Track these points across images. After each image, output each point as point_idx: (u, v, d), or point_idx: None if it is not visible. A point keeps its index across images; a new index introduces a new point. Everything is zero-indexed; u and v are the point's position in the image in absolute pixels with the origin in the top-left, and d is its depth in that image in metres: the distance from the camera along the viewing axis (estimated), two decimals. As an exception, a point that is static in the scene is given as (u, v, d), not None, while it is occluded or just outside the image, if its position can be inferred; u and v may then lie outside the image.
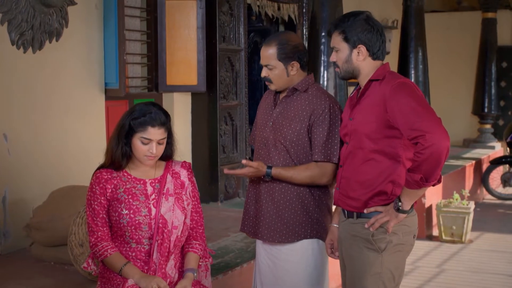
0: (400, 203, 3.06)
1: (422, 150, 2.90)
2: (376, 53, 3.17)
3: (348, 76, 3.25)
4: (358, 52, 3.16)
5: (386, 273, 3.12)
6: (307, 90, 3.50)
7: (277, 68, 3.46)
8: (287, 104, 3.51)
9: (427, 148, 2.89)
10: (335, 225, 3.40)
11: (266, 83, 3.55)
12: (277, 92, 3.60)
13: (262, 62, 3.50)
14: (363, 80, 3.20)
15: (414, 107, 2.97)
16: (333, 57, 3.25)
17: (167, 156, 3.29)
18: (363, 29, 3.13)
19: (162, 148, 3.20)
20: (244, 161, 3.40)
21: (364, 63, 3.18)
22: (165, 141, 3.20)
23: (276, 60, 3.45)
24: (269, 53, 3.47)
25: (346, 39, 3.16)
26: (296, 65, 3.47)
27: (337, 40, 3.19)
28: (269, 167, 3.43)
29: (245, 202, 3.70)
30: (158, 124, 3.13)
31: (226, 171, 3.48)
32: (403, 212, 3.07)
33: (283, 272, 3.52)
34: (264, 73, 3.50)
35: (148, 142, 3.13)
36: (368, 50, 3.15)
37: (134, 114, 3.15)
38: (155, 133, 3.13)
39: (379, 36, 3.17)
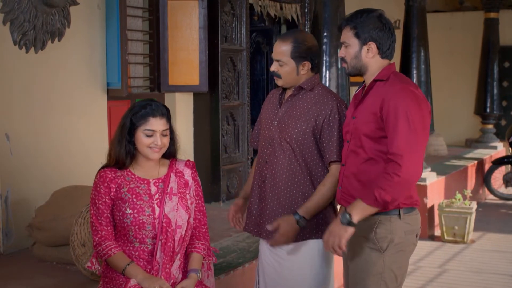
0: (348, 216, 3.00)
1: (398, 172, 2.93)
2: (386, 52, 3.16)
3: (355, 73, 3.23)
4: (368, 49, 3.15)
5: (388, 273, 3.11)
6: (313, 89, 3.50)
7: (288, 65, 3.46)
8: (293, 103, 3.51)
9: (401, 172, 2.93)
10: None
11: (274, 77, 3.55)
12: (283, 91, 3.61)
13: (274, 56, 3.50)
14: (369, 78, 3.20)
15: (407, 125, 2.97)
16: (342, 52, 3.23)
17: (171, 153, 3.30)
18: (375, 26, 3.12)
19: (166, 140, 3.20)
20: (269, 227, 3.39)
21: (372, 61, 3.16)
22: (168, 132, 3.21)
23: (289, 58, 3.45)
24: (282, 49, 3.46)
25: (357, 35, 3.15)
26: (307, 65, 3.47)
27: (348, 35, 3.18)
28: (294, 213, 3.39)
29: (248, 201, 3.69)
30: (159, 115, 3.15)
31: (272, 243, 3.41)
32: (354, 225, 3.02)
33: (287, 271, 3.50)
34: (273, 67, 3.50)
35: (151, 134, 3.14)
36: (378, 48, 3.14)
37: (135, 109, 3.18)
38: (157, 124, 3.15)
39: (390, 35, 3.17)
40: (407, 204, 3.13)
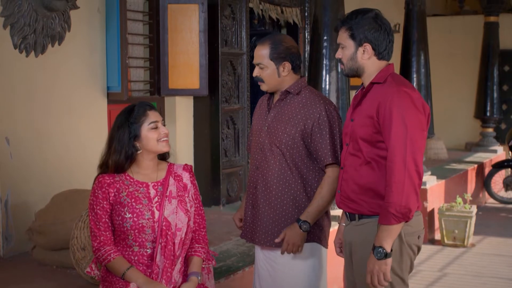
0: (381, 249, 2.95)
1: (398, 178, 2.92)
2: (382, 52, 3.12)
3: (352, 74, 3.20)
4: (363, 51, 3.10)
5: (394, 278, 3.07)
6: (299, 92, 3.51)
7: (269, 67, 3.48)
8: (281, 108, 3.52)
9: (402, 177, 2.92)
10: (343, 225, 3.36)
11: (258, 83, 3.57)
12: (271, 96, 3.62)
13: (255, 61, 3.53)
14: (366, 79, 3.15)
15: (404, 128, 2.94)
16: (339, 54, 3.20)
17: (164, 154, 3.32)
18: (371, 27, 3.08)
19: (167, 130, 3.26)
20: (277, 240, 3.43)
21: (369, 62, 3.12)
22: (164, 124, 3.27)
23: (268, 60, 3.47)
24: (261, 53, 3.49)
25: (352, 37, 3.11)
26: (287, 66, 3.48)
27: (343, 37, 3.14)
28: (297, 220, 3.41)
29: (244, 208, 3.70)
30: (151, 107, 3.24)
31: (281, 251, 3.44)
32: (391, 255, 2.97)
33: (281, 276, 3.51)
34: (256, 72, 3.53)
35: (156, 126, 3.19)
36: (373, 49, 3.10)
37: (127, 114, 3.20)
38: (155, 115, 3.22)
39: (387, 35, 3.11)
40: None
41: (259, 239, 3.54)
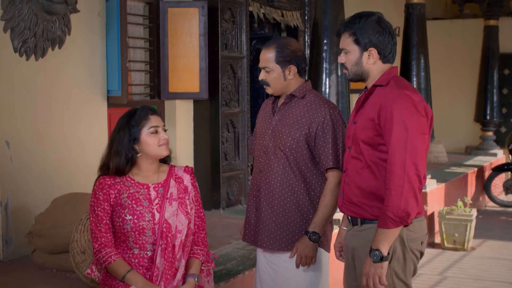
0: (378, 252, 2.94)
1: (398, 182, 2.88)
2: (387, 56, 3.09)
3: (357, 79, 3.16)
4: (368, 55, 3.06)
5: (398, 283, 3.06)
6: (304, 96, 3.51)
7: (275, 71, 3.48)
8: (286, 112, 3.52)
9: (402, 181, 2.88)
10: (344, 228, 3.35)
11: (264, 86, 3.57)
12: (276, 99, 3.62)
13: (261, 64, 3.53)
14: (370, 83, 3.12)
15: (405, 132, 2.91)
16: (342, 59, 3.14)
17: (164, 158, 3.32)
18: (375, 31, 3.03)
19: (167, 135, 3.25)
20: (290, 256, 3.46)
21: (374, 66, 3.09)
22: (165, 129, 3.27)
23: (274, 63, 3.47)
24: (267, 56, 3.49)
25: (356, 42, 3.06)
26: (293, 69, 3.48)
27: (347, 42, 3.10)
28: (306, 232, 3.42)
29: (246, 211, 3.70)
30: (153, 112, 3.22)
31: (296, 265, 3.47)
32: (387, 258, 2.96)
33: (283, 279, 3.51)
34: (261, 75, 3.53)
35: (156, 130, 3.18)
36: (379, 53, 3.06)
37: (128, 117, 3.20)
38: (157, 120, 3.21)
39: (391, 38, 3.08)
40: None
41: (262, 242, 3.54)
